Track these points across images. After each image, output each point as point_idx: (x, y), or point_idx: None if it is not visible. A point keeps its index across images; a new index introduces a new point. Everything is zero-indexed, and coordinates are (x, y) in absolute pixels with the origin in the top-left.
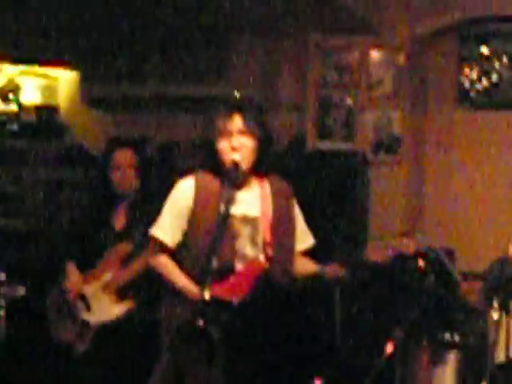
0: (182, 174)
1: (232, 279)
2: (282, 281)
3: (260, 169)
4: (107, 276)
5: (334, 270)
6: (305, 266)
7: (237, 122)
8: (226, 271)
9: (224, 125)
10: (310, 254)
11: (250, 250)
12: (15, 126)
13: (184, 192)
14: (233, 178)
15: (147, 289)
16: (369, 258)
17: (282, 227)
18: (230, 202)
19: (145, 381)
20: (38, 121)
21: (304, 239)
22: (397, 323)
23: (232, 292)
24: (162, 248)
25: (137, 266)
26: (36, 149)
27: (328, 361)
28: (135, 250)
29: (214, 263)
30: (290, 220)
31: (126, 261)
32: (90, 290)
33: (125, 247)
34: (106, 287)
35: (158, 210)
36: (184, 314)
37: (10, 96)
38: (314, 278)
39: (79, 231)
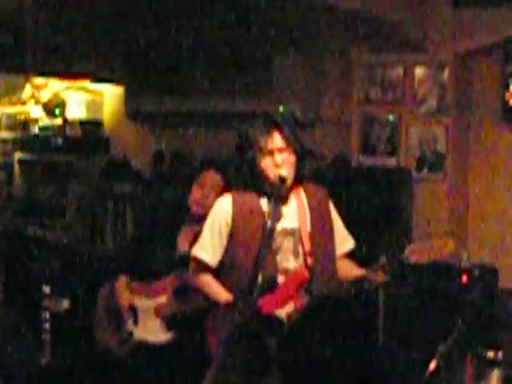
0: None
1: (276, 293)
2: (326, 288)
3: (298, 181)
4: (162, 299)
5: (376, 274)
6: (349, 269)
7: (276, 139)
8: (270, 285)
9: (265, 143)
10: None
11: (291, 262)
12: (60, 141)
13: (222, 210)
14: (279, 193)
15: (197, 324)
16: (409, 259)
17: (320, 235)
18: (276, 217)
19: None
20: (83, 135)
21: (344, 242)
22: (442, 339)
23: (276, 305)
24: (203, 267)
25: (195, 302)
26: (81, 163)
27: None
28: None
29: (260, 277)
30: (328, 226)
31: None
32: (141, 303)
33: (185, 277)
34: (157, 310)
35: None
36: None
37: (56, 111)
38: (358, 282)
39: (143, 248)
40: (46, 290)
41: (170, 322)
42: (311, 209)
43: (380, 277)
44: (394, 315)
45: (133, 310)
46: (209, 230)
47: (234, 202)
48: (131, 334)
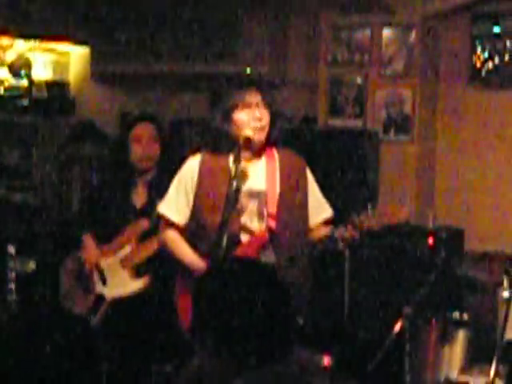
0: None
1: (237, 252)
2: (286, 252)
3: (270, 143)
4: (125, 251)
5: (343, 231)
6: (319, 231)
7: (255, 95)
8: (232, 245)
9: (243, 97)
10: None
11: (255, 224)
12: (26, 102)
13: (190, 169)
14: (242, 152)
15: (164, 267)
16: (361, 227)
17: (287, 199)
18: (241, 177)
19: (154, 356)
20: (49, 96)
21: (321, 211)
22: (406, 300)
23: None
24: (170, 224)
25: (154, 243)
26: (47, 124)
27: (336, 337)
28: (153, 227)
29: (225, 239)
30: (300, 192)
31: (143, 237)
32: (106, 263)
33: (144, 223)
34: (123, 262)
35: None
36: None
37: (22, 72)
38: (326, 240)
39: (98, 206)
40: (11, 250)
41: (138, 270)
42: (282, 173)
43: (349, 232)
44: (359, 276)
45: (99, 270)
46: (175, 189)
47: (202, 162)
48: (102, 296)
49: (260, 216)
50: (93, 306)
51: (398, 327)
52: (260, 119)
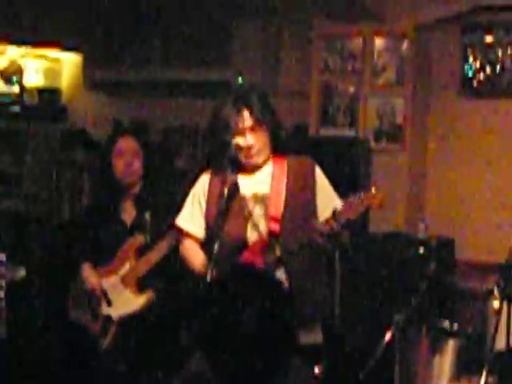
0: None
1: (243, 256)
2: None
3: (280, 152)
4: (125, 269)
5: (329, 224)
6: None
7: (246, 118)
8: (240, 249)
9: (235, 123)
10: None
11: (263, 227)
12: (17, 108)
13: (202, 182)
14: (243, 161)
15: (166, 278)
16: (341, 217)
17: (291, 202)
18: (231, 186)
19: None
20: (41, 103)
21: (330, 205)
22: (397, 309)
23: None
24: (188, 236)
25: (153, 255)
26: (38, 131)
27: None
28: (149, 241)
29: (216, 247)
30: (306, 195)
31: (141, 252)
32: (108, 284)
33: (138, 239)
34: (124, 280)
35: (166, 198)
36: None
37: (13, 78)
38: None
39: (91, 231)
40: (2, 257)
41: (141, 286)
42: (288, 177)
43: (328, 226)
44: (349, 284)
45: (104, 293)
46: (190, 202)
47: (211, 176)
48: (110, 318)
49: (267, 219)
50: (101, 328)
51: (388, 336)
52: (250, 147)
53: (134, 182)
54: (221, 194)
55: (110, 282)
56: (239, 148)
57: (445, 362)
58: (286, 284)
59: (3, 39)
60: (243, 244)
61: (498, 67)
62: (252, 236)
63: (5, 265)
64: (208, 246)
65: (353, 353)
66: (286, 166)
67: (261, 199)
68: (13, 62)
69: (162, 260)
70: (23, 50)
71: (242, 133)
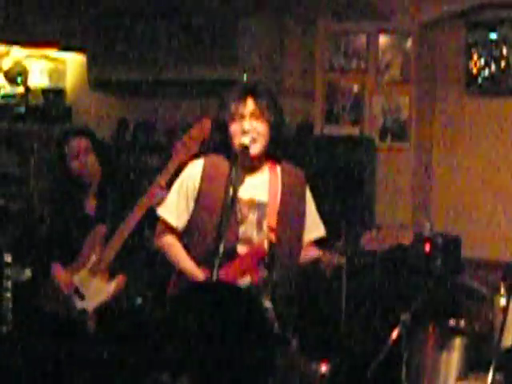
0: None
1: (235, 263)
2: (285, 265)
3: (272, 154)
4: (92, 259)
5: (330, 257)
6: (308, 251)
7: (249, 105)
8: (229, 255)
9: (236, 108)
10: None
11: (255, 235)
12: (22, 109)
13: (192, 173)
14: (242, 162)
15: (134, 262)
16: (364, 247)
17: (288, 214)
18: (238, 185)
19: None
20: (45, 103)
21: (315, 229)
22: (403, 308)
23: (234, 275)
24: (168, 228)
25: (116, 241)
26: (43, 132)
27: (334, 345)
28: (110, 232)
29: (221, 249)
30: (299, 207)
31: (105, 241)
32: (78, 278)
33: (101, 229)
34: (93, 270)
35: (125, 191)
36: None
37: (18, 79)
38: (314, 263)
39: (58, 232)
40: (8, 258)
41: (111, 272)
42: (284, 187)
43: (337, 259)
44: (356, 283)
45: (75, 289)
46: (176, 192)
47: (205, 166)
48: (85, 311)
49: (259, 227)
50: (79, 322)
51: (395, 334)
52: (247, 132)
53: (91, 180)
54: (220, 189)
55: (80, 277)
56: (241, 147)
57: (452, 360)
58: (269, 310)
59: (7, 40)
60: (232, 249)
61: (503, 64)
62: (242, 244)
63: (11, 266)
64: (190, 242)
65: (359, 351)
66: (279, 174)
67: (257, 206)
68: (17, 63)
69: (130, 243)
70: (28, 50)
71: (242, 117)
